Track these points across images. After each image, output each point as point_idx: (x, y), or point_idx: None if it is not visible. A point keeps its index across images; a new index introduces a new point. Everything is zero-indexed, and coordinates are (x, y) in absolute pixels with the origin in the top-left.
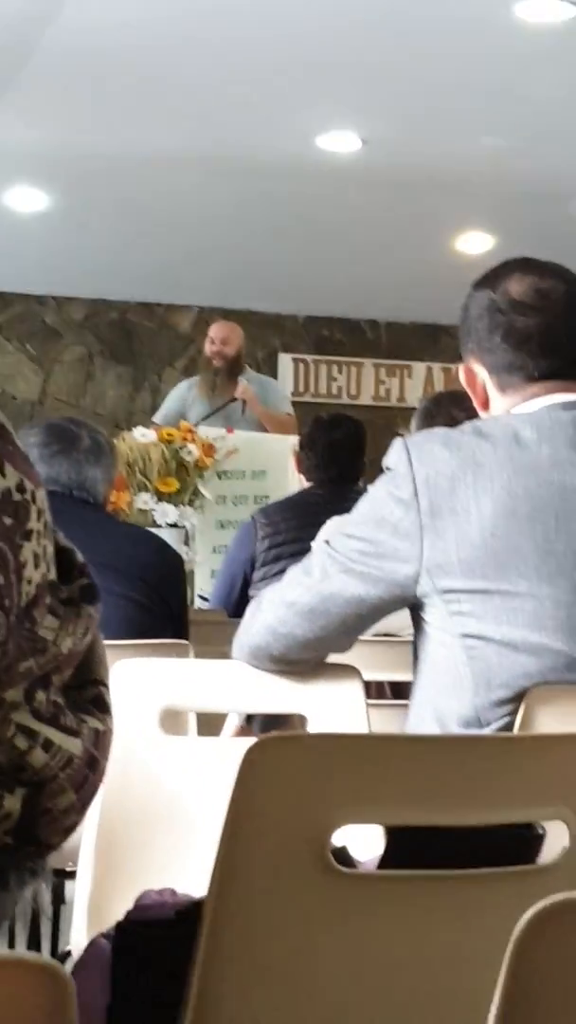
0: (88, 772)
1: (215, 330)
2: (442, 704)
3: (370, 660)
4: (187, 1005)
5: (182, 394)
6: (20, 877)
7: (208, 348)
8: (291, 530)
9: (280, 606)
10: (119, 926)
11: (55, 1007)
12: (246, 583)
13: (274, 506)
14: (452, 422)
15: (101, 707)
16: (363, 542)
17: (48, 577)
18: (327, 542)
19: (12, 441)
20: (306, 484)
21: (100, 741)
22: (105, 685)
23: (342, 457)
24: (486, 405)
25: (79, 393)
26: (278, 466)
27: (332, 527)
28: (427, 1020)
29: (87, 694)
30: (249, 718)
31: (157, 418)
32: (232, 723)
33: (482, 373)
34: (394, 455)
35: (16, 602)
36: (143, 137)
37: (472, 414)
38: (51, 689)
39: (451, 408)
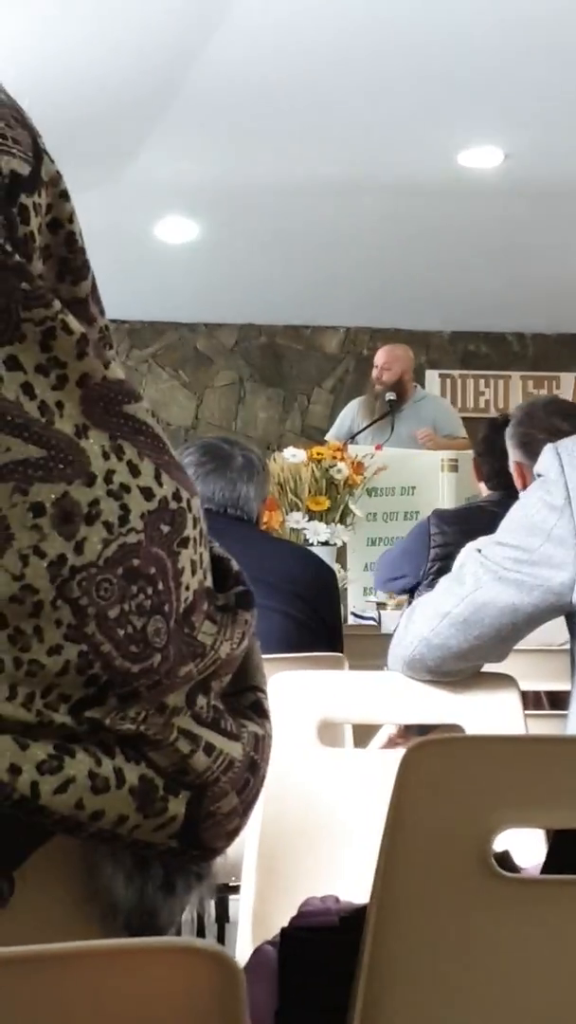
0: (249, 776)
1: (379, 355)
2: None
3: (527, 670)
4: (354, 1009)
5: (352, 413)
6: (186, 881)
7: (375, 374)
8: (458, 543)
9: (433, 617)
10: (284, 932)
11: (225, 994)
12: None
13: (450, 513)
14: (554, 432)
15: (260, 712)
16: (516, 549)
17: (205, 584)
18: (479, 551)
19: (168, 451)
20: (486, 492)
21: (260, 745)
22: (263, 691)
23: None
24: None
25: (231, 417)
26: (428, 481)
27: (485, 537)
28: None
29: (245, 700)
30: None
31: (329, 436)
32: (384, 735)
33: None
34: (545, 461)
35: (175, 608)
36: (286, 163)
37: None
38: (211, 694)
39: (552, 418)
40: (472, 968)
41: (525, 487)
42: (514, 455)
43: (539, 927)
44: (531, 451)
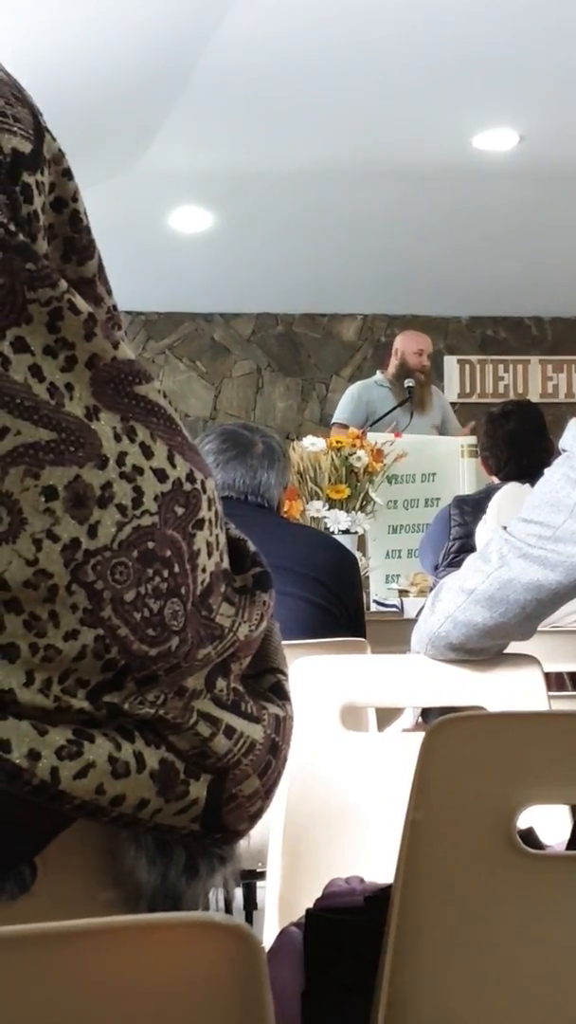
0: (271, 758)
1: (413, 340)
2: None
3: (550, 651)
4: (380, 988)
5: (365, 397)
6: (209, 864)
7: (414, 360)
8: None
9: (459, 594)
10: (309, 913)
11: (246, 969)
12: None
13: (471, 499)
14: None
15: (281, 694)
16: (540, 526)
17: (222, 566)
18: (504, 528)
19: (181, 432)
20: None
21: (281, 727)
22: (284, 673)
23: (524, 446)
24: None
25: (249, 407)
26: (448, 468)
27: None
28: None
29: (266, 682)
30: (424, 715)
31: (343, 419)
32: (407, 719)
33: None
34: (570, 436)
35: (192, 590)
36: (301, 149)
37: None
38: (231, 677)
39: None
40: (498, 946)
41: None
42: None
43: (565, 903)
44: None
